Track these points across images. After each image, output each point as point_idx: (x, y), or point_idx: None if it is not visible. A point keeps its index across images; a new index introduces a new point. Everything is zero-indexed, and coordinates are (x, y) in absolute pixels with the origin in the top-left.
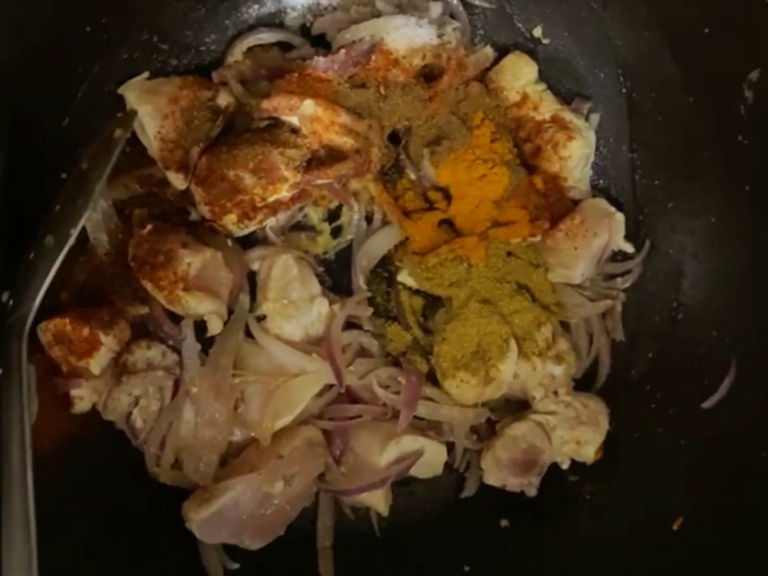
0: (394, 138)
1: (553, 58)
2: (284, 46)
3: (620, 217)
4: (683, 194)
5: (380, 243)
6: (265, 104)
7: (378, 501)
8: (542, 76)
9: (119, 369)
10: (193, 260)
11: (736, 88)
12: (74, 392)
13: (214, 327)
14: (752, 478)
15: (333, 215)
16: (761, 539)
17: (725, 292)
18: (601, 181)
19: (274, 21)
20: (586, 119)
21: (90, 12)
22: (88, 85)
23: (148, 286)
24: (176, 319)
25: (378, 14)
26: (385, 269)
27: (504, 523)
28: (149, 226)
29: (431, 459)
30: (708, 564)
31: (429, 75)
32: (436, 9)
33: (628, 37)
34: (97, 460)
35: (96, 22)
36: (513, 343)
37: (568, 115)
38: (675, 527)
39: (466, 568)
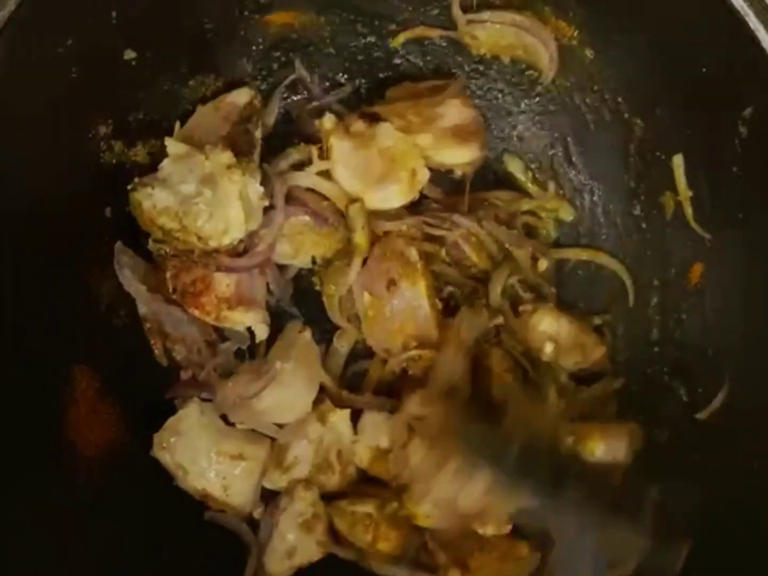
0: None
1: None
2: None
3: None
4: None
5: None
6: None
7: None
8: None
9: None
10: (229, 280)
11: (732, 124)
12: None
13: (261, 334)
14: (744, 485)
15: None
16: (757, 542)
17: (721, 314)
18: (597, 209)
19: None
20: None
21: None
22: (134, 115)
23: (195, 312)
24: None
25: None
26: None
27: None
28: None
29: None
30: (703, 567)
31: None
32: None
33: (630, 75)
34: (136, 468)
35: (142, 57)
36: None
37: None
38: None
39: None
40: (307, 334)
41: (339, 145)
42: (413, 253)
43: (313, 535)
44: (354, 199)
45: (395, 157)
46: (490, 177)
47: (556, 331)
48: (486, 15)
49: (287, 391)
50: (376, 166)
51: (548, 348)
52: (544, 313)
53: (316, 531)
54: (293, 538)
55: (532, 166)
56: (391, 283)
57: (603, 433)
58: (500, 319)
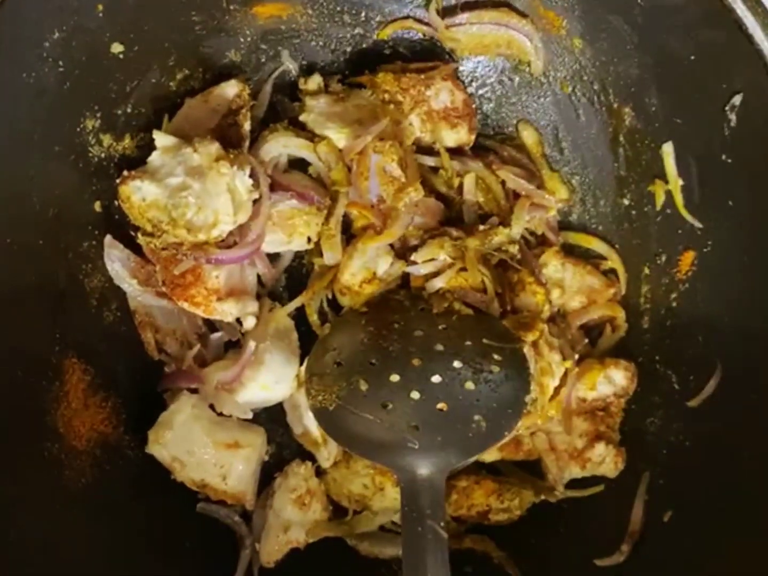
0: None
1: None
2: None
3: None
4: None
5: None
6: None
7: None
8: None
9: None
10: (219, 272)
11: (721, 112)
12: None
13: (249, 324)
14: (735, 471)
15: None
16: (746, 527)
17: (711, 302)
18: (587, 198)
19: None
20: None
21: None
22: (122, 108)
23: (185, 305)
24: None
25: None
26: None
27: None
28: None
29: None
30: (695, 552)
31: None
32: None
33: (619, 63)
34: (128, 462)
35: (130, 50)
36: None
37: None
38: (665, 519)
39: None
40: (279, 310)
41: (313, 101)
42: (395, 167)
43: (308, 512)
44: (321, 138)
45: (374, 109)
46: None
47: (561, 276)
48: (464, 17)
49: (268, 371)
50: (351, 113)
51: (554, 294)
52: (550, 255)
53: (311, 507)
54: (288, 513)
55: None
56: (381, 201)
57: (602, 366)
58: (516, 248)
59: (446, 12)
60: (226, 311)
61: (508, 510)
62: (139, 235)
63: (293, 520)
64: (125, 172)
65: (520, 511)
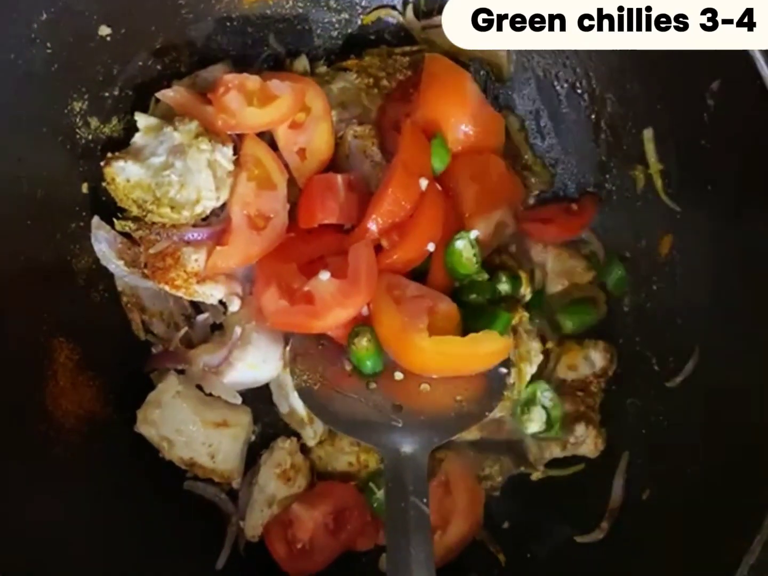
0: None
1: None
2: None
3: None
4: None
5: None
6: None
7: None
8: None
9: None
10: (198, 255)
11: (700, 98)
12: None
13: (234, 306)
14: (712, 450)
15: None
16: (723, 506)
17: (690, 284)
18: (569, 183)
19: None
20: None
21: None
22: (110, 90)
23: (165, 287)
24: None
25: None
26: None
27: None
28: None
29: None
30: (672, 530)
31: None
32: None
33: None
34: (116, 440)
35: (117, 32)
36: None
37: None
38: (644, 497)
39: None
40: None
41: None
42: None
43: (293, 487)
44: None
45: (357, 92)
46: None
47: (543, 259)
48: (439, 19)
49: (256, 350)
50: (335, 96)
51: (537, 275)
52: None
53: (296, 482)
54: (272, 488)
55: None
56: None
57: (582, 347)
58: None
59: (425, 13)
60: (207, 293)
61: (490, 477)
62: (114, 220)
63: (278, 494)
64: (109, 154)
65: (501, 477)
